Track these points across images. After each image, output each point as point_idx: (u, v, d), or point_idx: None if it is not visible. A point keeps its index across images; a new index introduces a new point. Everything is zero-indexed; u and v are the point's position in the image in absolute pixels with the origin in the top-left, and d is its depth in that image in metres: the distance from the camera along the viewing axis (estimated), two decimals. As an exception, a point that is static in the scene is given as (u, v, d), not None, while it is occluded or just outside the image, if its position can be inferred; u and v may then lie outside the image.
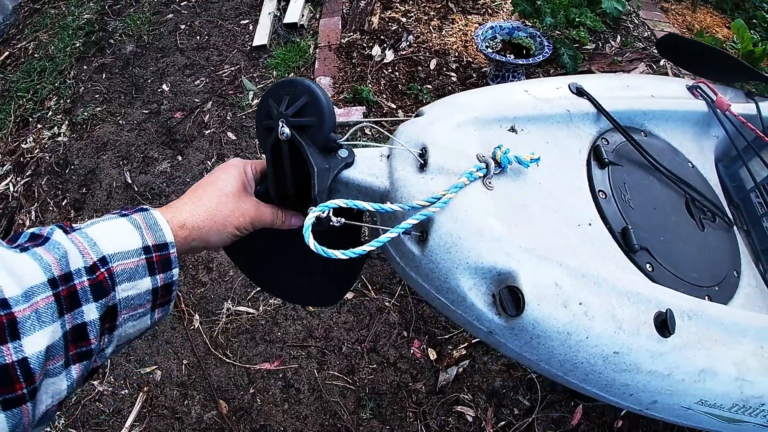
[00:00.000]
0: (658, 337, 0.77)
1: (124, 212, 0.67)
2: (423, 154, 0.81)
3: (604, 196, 0.96)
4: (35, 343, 0.51)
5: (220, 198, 0.76)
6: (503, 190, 0.80)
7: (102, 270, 0.59)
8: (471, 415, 1.96)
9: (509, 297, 0.71)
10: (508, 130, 0.92)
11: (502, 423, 1.94)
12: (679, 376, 0.79)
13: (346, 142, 0.81)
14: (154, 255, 0.64)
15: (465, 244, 0.72)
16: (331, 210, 0.70)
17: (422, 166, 0.80)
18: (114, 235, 0.62)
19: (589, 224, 0.89)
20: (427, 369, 2.08)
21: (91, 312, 0.57)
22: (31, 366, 0.51)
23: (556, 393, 1.98)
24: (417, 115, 0.92)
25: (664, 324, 0.77)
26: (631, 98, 1.17)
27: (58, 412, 0.63)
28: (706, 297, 0.96)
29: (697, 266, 1.00)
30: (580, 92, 1.06)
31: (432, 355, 2.11)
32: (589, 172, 0.99)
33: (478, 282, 0.73)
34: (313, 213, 0.68)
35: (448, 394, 2.01)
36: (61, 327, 0.54)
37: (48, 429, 2.04)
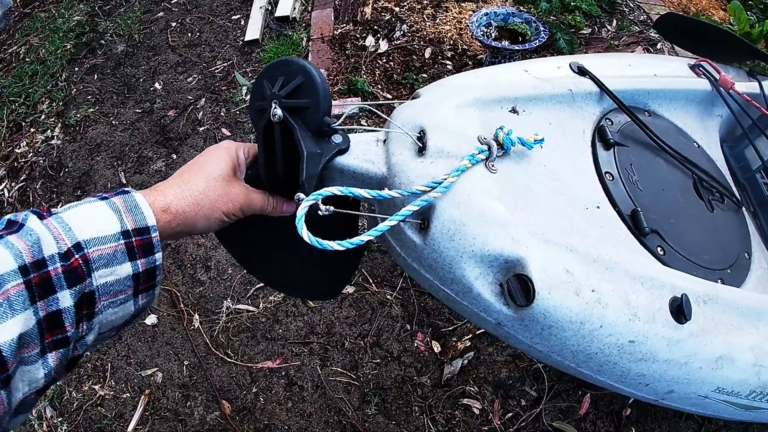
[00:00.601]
0: (674, 323, 0.74)
1: (104, 195, 0.65)
2: (421, 137, 0.77)
3: (611, 178, 0.92)
4: (7, 330, 0.50)
5: (208, 182, 0.73)
6: (507, 173, 0.76)
7: (76, 256, 0.57)
8: (478, 408, 1.93)
9: (518, 286, 0.68)
10: (509, 111, 0.88)
11: (510, 414, 1.91)
12: (697, 364, 0.77)
13: (341, 127, 0.77)
14: (134, 239, 0.62)
15: (469, 231, 0.69)
16: (320, 198, 0.66)
17: (421, 150, 0.76)
18: (91, 220, 0.60)
19: (597, 207, 0.86)
20: (432, 362, 2.06)
21: (65, 299, 0.56)
22: (3, 354, 0.50)
23: (564, 383, 1.96)
24: (414, 98, 0.89)
25: (680, 310, 0.74)
26: (634, 77, 1.14)
27: (38, 402, 0.65)
28: (719, 280, 0.94)
29: (709, 249, 0.97)
30: (581, 71, 1.03)
31: (436, 347, 2.08)
32: (594, 153, 0.96)
33: (485, 271, 0.70)
34: (306, 202, 0.64)
35: (454, 386, 1.99)
36: (35, 314, 0.54)
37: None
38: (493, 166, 0.75)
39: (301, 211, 0.63)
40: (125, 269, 0.62)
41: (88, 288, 0.58)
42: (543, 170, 0.82)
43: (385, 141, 0.82)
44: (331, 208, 0.66)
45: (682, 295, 0.75)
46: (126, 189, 0.67)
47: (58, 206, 0.62)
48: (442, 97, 0.84)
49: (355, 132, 0.83)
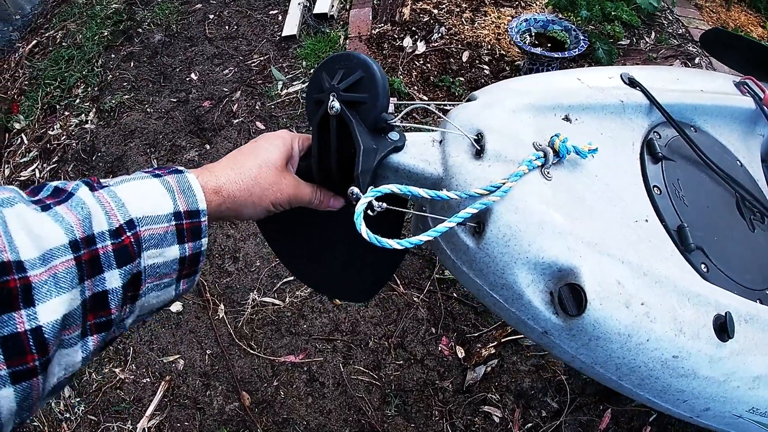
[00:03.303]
0: (717, 341, 0.73)
1: (157, 172, 0.62)
2: (479, 139, 0.77)
3: (658, 192, 0.92)
4: (51, 310, 0.47)
5: (261, 169, 0.72)
6: (561, 181, 0.76)
7: (128, 234, 0.54)
8: (498, 416, 1.93)
9: (570, 295, 0.67)
10: (563, 118, 0.88)
11: (530, 425, 1.91)
12: (735, 383, 0.76)
13: (398, 124, 0.77)
14: (184, 222, 0.60)
15: (525, 237, 0.68)
16: (377, 196, 0.66)
17: (478, 153, 0.76)
18: (144, 197, 0.58)
19: (646, 220, 0.85)
20: (455, 367, 2.06)
21: (113, 279, 0.53)
22: (45, 336, 0.47)
23: (585, 396, 1.95)
24: (469, 99, 0.88)
25: (723, 327, 0.73)
26: (682, 92, 1.13)
27: (68, 384, 0.61)
28: (758, 300, 0.92)
29: (749, 268, 0.96)
30: (632, 83, 1.02)
31: (460, 353, 2.09)
32: (642, 166, 0.95)
33: (537, 278, 0.69)
34: (366, 198, 0.63)
35: (476, 393, 1.99)
36: (81, 294, 0.50)
37: (67, 415, 2.05)
38: (548, 173, 0.74)
39: (360, 206, 0.62)
40: (173, 252, 0.60)
41: (137, 269, 0.56)
42: (595, 180, 0.82)
43: (441, 142, 0.81)
44: (384, 205, 0.66)
45: (726, 313, 0.74)
46: (179, 168, 0.65)
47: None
48: (499, 101, 0.84)
49: (411, 131, 0.83)
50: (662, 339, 0.70)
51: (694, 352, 0.72)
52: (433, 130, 0.83)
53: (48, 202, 0.52)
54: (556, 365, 2.02)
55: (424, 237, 0.64)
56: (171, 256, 0.60)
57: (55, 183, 0.56)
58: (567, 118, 0.88)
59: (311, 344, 2.15)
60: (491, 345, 2.07)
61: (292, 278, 2.35)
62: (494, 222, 0.70)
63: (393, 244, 0.62)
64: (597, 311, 0.66)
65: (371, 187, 0.66)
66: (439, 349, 2.10)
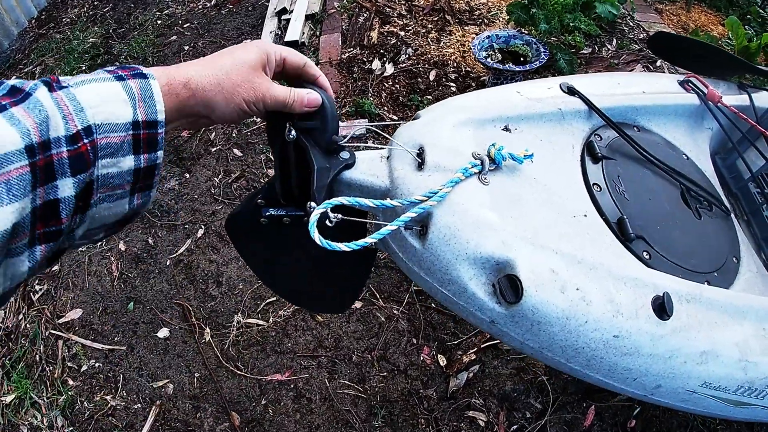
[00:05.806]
0: (656, 320, 0.79)
1: (120, 73, 0.59)
2: (420, 153, 0.84)
3: (598, 189, 0.98)
4: (1, 219, 0.45)
5: (234, 65, 0.69)
6: (499, 185, 0.83)
7: (85, 141, 0.52)
8: (483, 420, 1.97)
9: (508, 284, 0.74)
10: (502, 129, 0.95)
11: (515, 427, 1.94)
12: (681, 359, 0.81)
13: (348, 145, 0.85)
14: (142, 132, 0.58)
15: (463, 235, 0.75)
16: (329, 207, 0.72)
17: (420, 165, 0.83)
18: (104, 102, 0.55)
19: (584, 215, 0.91)
20: (438, 375, 2.10)
21: (66, 188, 0.51)
22: None
23: (568, 395, 1.99)
24: (414, 118, 0.96)
25: (662, 307, 0.79)
26: (623, 95, 1.19)
27: (12, 296, 0.55)
28: (706, 282, 0.97)
29: (696, 253, 1.02)
30: (571, 91, 1.09)
31: (442, 361, 2.13)
32: (583, 166, 1.01)
33: (478, 272, 0.76)
34: (318, 210, 0.70)
35: (460, 399, 2.02)
36: (32, 202, 0.48)
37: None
38: (485, 178, 0.81)
39: (314, 217, 0.69)
40: (128, 162, 0.58)
41: (90, 177, 0.54)
42: (533, 182, 0.89)
43: (388, 158, 0.89)
44: (339, 215, 0.73)
45: (664, 294, 0.80)
46: (144, 71, 0.61)
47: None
48: (440, 117, 0.92)
49: (362, 150, 0.90)
50: (600, 320, 0.76)
51: (634, 330, 0.78)
52: (381, 148, 0.91)
53: (3, 103, 0.48)
54: (536, 366, 2.07)
55: (369, 239, 0.70)
56: (126, 167, 0.58)
57: (12, 81, 0.52)
58: (507, 129, 0.95)
59: (296, 362, 2.18)
60: (472, 351, 2.12)
61: (274, 299, 2.39)
62: (435, 224, 0.77)
63: (342, 246, 0.69)
64: (533, 297, 0.73)
65: (326, 200, 0.73)
66: (422, 358, 2.14)
